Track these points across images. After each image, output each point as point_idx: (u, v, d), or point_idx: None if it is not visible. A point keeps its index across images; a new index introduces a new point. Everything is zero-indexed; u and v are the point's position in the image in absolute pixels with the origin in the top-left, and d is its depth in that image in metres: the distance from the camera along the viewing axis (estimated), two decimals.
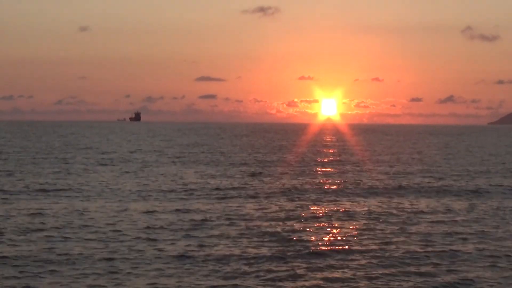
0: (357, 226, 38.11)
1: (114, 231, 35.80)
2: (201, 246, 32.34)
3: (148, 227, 36.94)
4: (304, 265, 28.98)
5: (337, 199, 50.07)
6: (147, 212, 42.39)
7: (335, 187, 58.12)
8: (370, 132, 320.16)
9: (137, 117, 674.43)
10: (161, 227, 37.01)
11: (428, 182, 62.65)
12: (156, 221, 39.06)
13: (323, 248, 32.46)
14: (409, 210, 44.77)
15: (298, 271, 28.04)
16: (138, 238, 34.11)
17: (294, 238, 34.47)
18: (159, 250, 31.51)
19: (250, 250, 31.63)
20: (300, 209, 44.63)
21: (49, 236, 34.28)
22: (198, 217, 40.58)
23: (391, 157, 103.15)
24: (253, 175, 68.20)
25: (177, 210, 43.37)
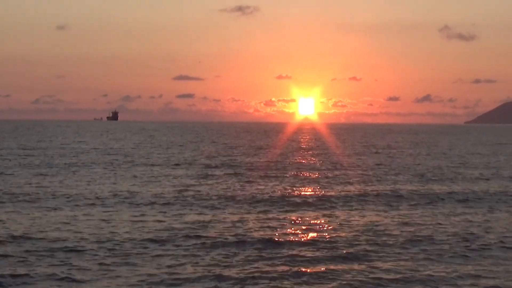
0: (334, 234, 36.53)
1: (77, 240, 34.03)
2: (176, 254, 30.74)
3: (115, 238, 35.18)
4: (282, 274, 27.49)
5: (317, 205, 48.38)
6: (117, 220, 40.55)
7: (315, 192, 56.51)
8: (349, 132, 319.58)
9: (114, 116, 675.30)
10: (129, 238, 35.24)
11: (408, 187, 61.18)
12: (123, 230, 37.27)
13: (304, 259, 30.87)
14: (387, 216, 43.33)
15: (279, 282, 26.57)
16: (106, 252, 32.30)
17: (274, 246, 32.87)
18: (129, 264, 29.83)
19: (228, 258, 30.06)
20: (279, 215, 43.00)
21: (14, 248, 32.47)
22: (167, 225, 38.85)
23: (370, 159, 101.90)
24: (231, 178, 66.60)
25: (147, 216, 41.63)
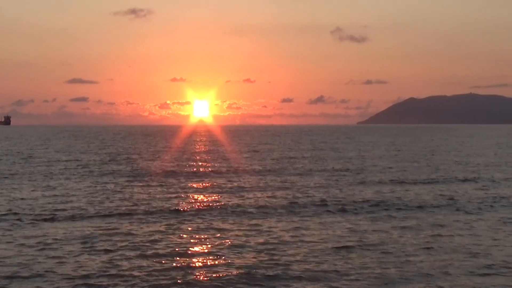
0: (228, 251, 34.03)
1: None
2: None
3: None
4: None
5: (214, 215, 45.70)
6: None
7: (210, 202, 53.85)
8: (244, 134, 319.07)
9: (6, 121, 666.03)
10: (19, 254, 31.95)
11: (309, 193, 59.43)
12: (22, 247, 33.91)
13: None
14: (287, 229, 41.13)
15: None
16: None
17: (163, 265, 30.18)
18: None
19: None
20: (176, 227, 40.23)
21: None
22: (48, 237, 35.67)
23: (267, 162, 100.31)
24: (129, 184, 63.48)
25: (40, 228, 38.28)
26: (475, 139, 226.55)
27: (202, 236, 37.19)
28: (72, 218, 43.27)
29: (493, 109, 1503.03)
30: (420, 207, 49.10)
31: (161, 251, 33.00)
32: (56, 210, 46.61)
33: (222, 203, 50.57)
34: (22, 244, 34.72)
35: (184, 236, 37.22)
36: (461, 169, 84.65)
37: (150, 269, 29.44)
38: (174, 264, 30.35)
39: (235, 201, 51.96)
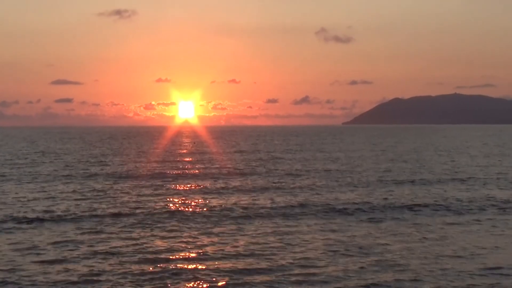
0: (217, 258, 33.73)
1: None
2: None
3: None
4: None
5: (202, 220, 45.46)
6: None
7: (198, 206, 53.52)
8: (229, 135, 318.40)
9: None
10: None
11: (298, 197, 59.13)
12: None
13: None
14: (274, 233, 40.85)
15: None
16: None
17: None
18: None
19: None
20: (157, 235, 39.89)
21: None
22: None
23: (251, 165, 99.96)
24: (118, 187, 62.96)
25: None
26: (460, 140, 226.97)
27: (189, 240, 36.85)
28: (58, 221, 42.88)
29: (478, 109, 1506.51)
30: (407, 208, 48.96)
31: (148, 255, 32.65)
32: (42, 212, 46.19)
33: (209, 206, 50.18)
34: (7, 249, 34.33)
35: (171, 239, 36.90)
36: (448, 170, 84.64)
37: (137, 273, 29.09)
38: (161, 269, 29.99)
39: (221, 203, 51.59)
